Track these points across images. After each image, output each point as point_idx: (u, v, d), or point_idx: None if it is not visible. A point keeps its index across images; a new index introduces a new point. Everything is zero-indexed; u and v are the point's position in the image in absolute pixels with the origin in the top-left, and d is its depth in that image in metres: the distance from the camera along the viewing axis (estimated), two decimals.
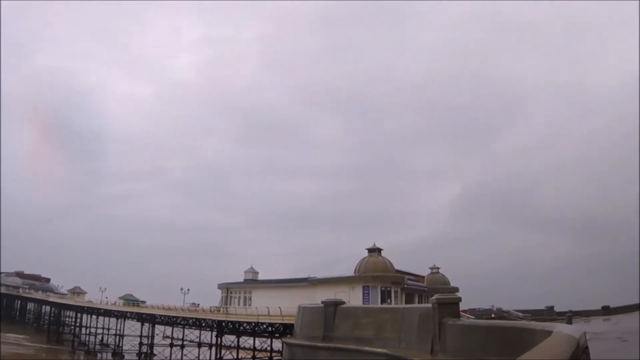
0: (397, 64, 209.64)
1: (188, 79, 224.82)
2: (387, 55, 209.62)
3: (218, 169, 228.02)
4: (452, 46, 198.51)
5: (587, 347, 9.62)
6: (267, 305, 52.67)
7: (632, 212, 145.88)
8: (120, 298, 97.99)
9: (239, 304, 64.50)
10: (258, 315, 53.86)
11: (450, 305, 18.10)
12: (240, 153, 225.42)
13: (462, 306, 63.13)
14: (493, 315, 60.36)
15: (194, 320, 66.67)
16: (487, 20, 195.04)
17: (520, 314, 68.55)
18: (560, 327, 10.69)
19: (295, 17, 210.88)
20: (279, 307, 50.45)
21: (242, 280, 69.31)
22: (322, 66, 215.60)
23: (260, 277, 69.78)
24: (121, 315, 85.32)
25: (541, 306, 76.18)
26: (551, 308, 74.41)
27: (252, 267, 70.77)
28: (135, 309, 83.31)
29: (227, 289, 68.31)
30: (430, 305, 18.72)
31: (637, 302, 69.83)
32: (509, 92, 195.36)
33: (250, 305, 61.67)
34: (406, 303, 52.73)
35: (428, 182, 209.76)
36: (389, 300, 53.22)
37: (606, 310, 73.39)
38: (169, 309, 71.73)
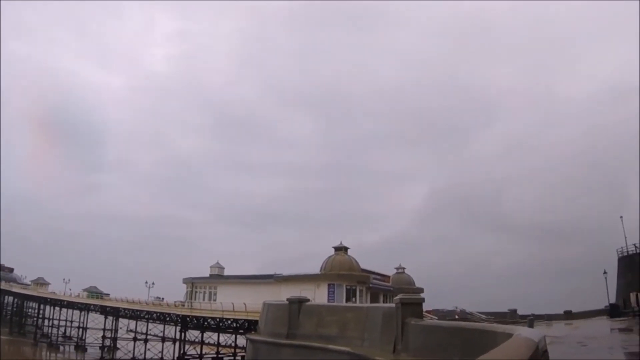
0: (371, 66, 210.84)
1: (161, 72, 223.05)
2: (361, 57, 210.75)
3: (188, 163, 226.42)
4: (425, 51, 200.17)
5: (546, 351, 9.68)
6: (232, 301, 52.39)
7: (593, 220, 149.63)
8: (84, 290, 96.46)
9: (203, 299, 64.03)
10: (223, 311, 53.57)
11: (413, 306, 18.16)
12: (211, 148, 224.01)
13: (427, 307, 63.66)
14: (457, 317, 60.95)
15: (158, 314, 66.04)
16: (460, 27, 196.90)
17: (484, 316, 69.28)
18: (520, 330, 10.77)
19: (271, 15, 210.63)
20: (244, 304, 50.24)
21: (207, 275, 68.81)
22: (296, 64, 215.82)
23: (227, 272, 69.22)
24: (84, 308, 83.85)
25: (504, 309, 77.27)
26: (514, 311, 75.44)
27: (218, 262, 70.22)
28: (98, 302, 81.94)
29: (192, 283, 67.77)
30: (393, 305, 18.77)
31: (598, 307, 71.15)
32: (480, 99, 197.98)
33: (215, 300, 61.27)
34: (371, 302, 52.91)
35: (396, 183, 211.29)
36: (354, 299, 53.35)
37: (568, 315, 74.44)
38: (133, 302, 70.95)
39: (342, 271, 54.34)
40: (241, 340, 54.60)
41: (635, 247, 68.63)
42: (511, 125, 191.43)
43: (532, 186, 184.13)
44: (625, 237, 71.47)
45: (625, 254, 71.59)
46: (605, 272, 73.76)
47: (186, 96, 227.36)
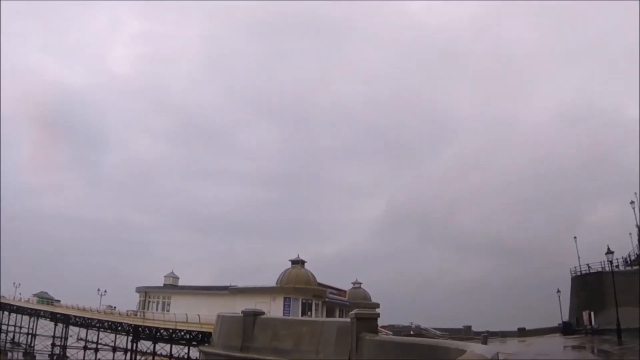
0: (333, 78, 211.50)
1: (123, 72, 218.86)
2: (324, 69, 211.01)
3: (146, 166, 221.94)
4: (388, 68, 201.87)
5: None
6: (185, 312, 51.82)
7: (548, 241, 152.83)
8: (35, 295, 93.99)
9: (157, 309, 63.23)
10: (176, 321, 52.93)
11: (368, 321, 18.06)
12: (170, 152, 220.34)
13: (382, 322, 63.94)
14: (412, 332, 61.22)
15: (109, 323, 64.91)
16: (424, 48, 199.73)
17: (438, 332, 69.71)
18: (473, 347, 10.72)
19: (238, 21, 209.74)
20: (198, 315, 49.69)
21: (161, 284, 67.92)
22: (260, 72, 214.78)
23: (181, 282, 68.51)
24: (34, 314, 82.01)
25: (459, 325, 77.84)
26: (469, 327, 76.03)
27: (172, 272, 69.44)
28: (49, 308, 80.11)
29: (146, 292, 66.86)
30: (348, 319, 18.66)
31: (551, 325, 72.21)
32: (440, 119, 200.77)
33: (168, 311, 60.54)
34: (327, 317, 52.85)
35: (354, 197, 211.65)
36: (309, 313, 53.22)
37: (522, 332, 75.27)
38: (84, 310, 69.69)
39: (298, 285, 54.25)
40: (194, 353, 53.88)
41: (589, 267, 69.98)
42: (469, 146, 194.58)
43: (488, 206, 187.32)
44: (579, 257, 73.03)
45: (579, 273, 72.96)
46: (558, 291, 75.26)
47: (147, 98, 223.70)
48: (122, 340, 64.07)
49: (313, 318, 45.45)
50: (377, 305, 65.01)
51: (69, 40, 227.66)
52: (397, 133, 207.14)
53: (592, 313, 58.04)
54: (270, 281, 56.69)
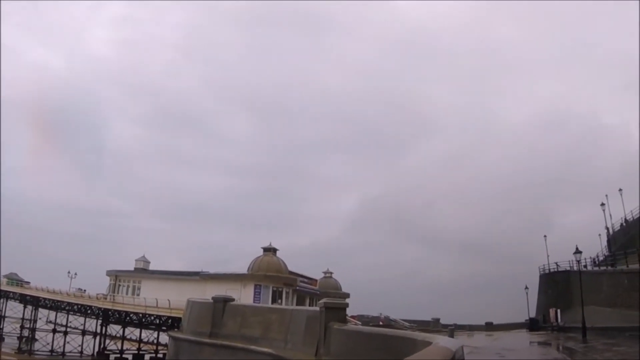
0: (315, 71, 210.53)
1: (103, 55, 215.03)
2: (306, 62, 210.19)
3: (123, 151, 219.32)
4: (370, 62, 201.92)
5: None
6: (156, 297, 51.58)
7: (519, 238, 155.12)
8: (4, 276, 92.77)
9: (127, 293, 62.81)
10: (146, 306, 52.70)
11: (337, 310, 18.13)
12: (147, 138, 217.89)
13: (352, 312, 64.07)
14: (381, 323, 61.60)
15: (79, 306, 64.39)
16: (407, 43, 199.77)
17: (407, 324, 70.32)
18: (439, 339, 10.84)
19: (221, 10, 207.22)
20: (168, 300, 49.51)
21: (132, 268, 67.43)
22: (241, 63, 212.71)
23: (152, 267, 68.06)
24: (3, 295, 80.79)
25: (428, 318, 78.61)
26: (437, 320, 76.84)
27: (144, 256, 68.93)
28: (18, 290, 79.05)
29: (116, 276, 66.37)
30: (318, 308, 18.74)
31: (518, 321, 73.20)
32: (420, 114, 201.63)
33: (138, 295, 60.17)
34: (297, 305, 52.94)
35: (331, 188, 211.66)
36: (279, 301, 53.30)
37: (489, 327, 76.28)
38: (54, 292, 68.95)
39: (269, 272, 54.27)
40: (164, 338, 53.69)
41: (557, 265, 71.03)
42: (447, 142, 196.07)
43: (462, 203, 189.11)
44: (548, 256, 74.24)
45: (547, 271, 74.10)
46: (526, 288, 76.20)
47: (126, 83, 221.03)
48: (92, 324, 63.60)
49: (283, 306, 45.50)
50: (347, 295, 65.31)
51: (48, 20, 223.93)
52: (377, 128, 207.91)
53: (558, 311, 58.85)
54: (244, 269, 56.59)
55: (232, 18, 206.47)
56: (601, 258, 66.88)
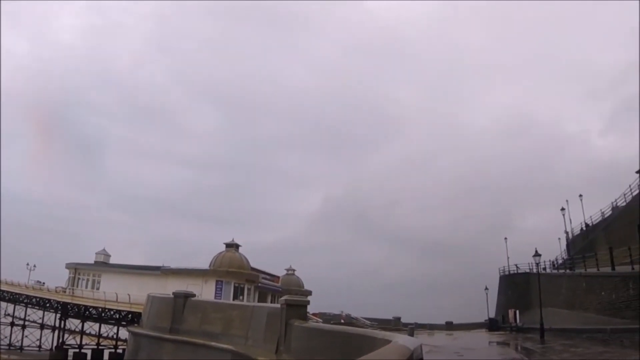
0: (282, 68, 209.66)
1: (69, 44, 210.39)
2: (274, 59, 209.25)
3: (86, 142, 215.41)
4: (337, 61, 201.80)
5: (421, 359, 9.81)
6: (116, 291, 50.99)
7: (480, 240, 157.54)
8: None
9: (86, 287, 61.93)
10: (105, 300, 52.03)
11: (298, 307, 18.11)
12: (111, 129, 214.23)
13: (314, 309, 64.08)
14: (342, 321, 61.82)
15: (38, 299, 63.21)
16: (375, 44, 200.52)
17: (368, 322, 70.79)
18: (399, 338, 10.87)
19: (191, 3, 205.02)
20: (128, 294, 48.98)
21: (92, 262, 66.49)
22: (209, 57, 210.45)
23: (113, 261, 67.16)
24: None
25: (390, 316, 79.16)
26: (398, 319, 77.40)
27: (104, 250, 67.96)
28: None
29: (76, 269, 65.36)
30: (279, 305, 18.70)
31: (478, 321, 74.10)
32: (385, 115, 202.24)
33: (98, 289, 59.40)
34: (259, 302, 52.83)
35: (295, 186, 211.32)
36: (241, 297, 53.14)
37: (449, 326, 77.13)
38: (12, 284, 67.57)
39: (231, 268, 54.05)
40: (124, 333, 53.07)
41: (517, 267, 72.25)
42: (411, 144, 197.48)
43: (424, 204, 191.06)
44: (508, 258, 75.59)
45: (507, 273, 75.31)
46: (486, 289, 77.33)
47: (92, 72, 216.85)
48: (51, 318, 62.56)
49: (244, 302, 45.30)
50: (309, 293, 65.38)
51: (13, 4, 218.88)
52: (342, 127, 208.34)
53: (517, 311, 59.78)
54: (206, 265, 56.24)
55: (202, 11, 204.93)
56: (560, 261, 68.11)
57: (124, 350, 51.41)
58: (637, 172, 58.89)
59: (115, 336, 57.39)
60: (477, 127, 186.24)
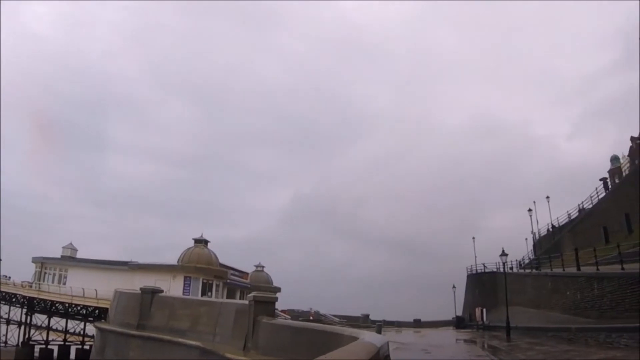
0: (255, 64, 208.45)
1: (39, 32, 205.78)
2: (248, 56, 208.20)
3: (52, 134, 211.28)
4: (310, 60, 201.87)
5: (388, 356, 9.87)
6: (83, 286, 50.36)
7: (449, 239, 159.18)
8: None
9: (53, 282, 61.04)
10: (72, 295, 51.37)
11: (266, 304, 18.11)
12: (79, 120, 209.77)
13: (283, 306, 63.98)
14: (311, 318, 61.92)
15: (3, 294, 62.05)
16: (348, 44, 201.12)
17: (337, 319, 71.08)
18: (366, 335, 10.95)
19: None
20: (95, 290, 48.44)
21: (59, 256, 65.56)
22: (181, 50, 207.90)
23: (80, 255, 66.25)
24: None
25: (358, 314, 79.66)
26: (367, 316, 78.03)
27: (71, 244, 66.93)
28: None
29: (42, 263, 64.29)
30: (247, 302, 18.67)
31: (446, 318, 74.89)
32: (356, 114, 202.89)
33: (65, 284, 58.60)
34: (228, 298, 52.65)
35: (265, 183, 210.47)
36: (209, 294, 52.88)
37: (417, 323, 78.00)
38: None
39: (200, 264, 53.72)
40: (91, 329, 52.45)
41: (484, 266, 73.13)
42: (382, 144, 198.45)
43: (393, 202, 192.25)
44: (475, 257, 76.39)
45: (474, 272, 76.15)
46: (454, 287, 78.11)
47: (61, 61, 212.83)
48: (17, 313, 61.54)
49: (212, 299, 45.11)
50: (278, 289, 65.30)
51: None
52: (313, 125, 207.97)
53: (484, 310, 60.50)
54: (174, 260, 55.81)
55: (175, 4, 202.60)
56: (527, 261, 69.09)
57: (91, 346, 50.82)
58: (600, 179, 60.18)
59: (82, 332, 56.71)
60: (447, 127, 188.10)
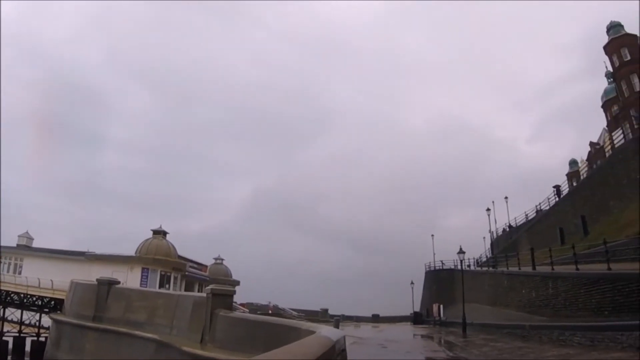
0: (223, 57, 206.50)
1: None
2: (216, 48, 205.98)
3: (7, 120, 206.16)
4: (281, 55, 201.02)
5: (344, 350, 9.96)
6: (39, 276, 49.54)
7: (409, 236, 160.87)
8: None
9: (7, 271, 59.86)
10: (27, 286, 50.48)
11: (223, 297, 18.07)
12: (37, 107, 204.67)
13: (242, 299, 63.79)
14: (270, 312, 61.92)
15: None
16: (316, 41, 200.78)
17: (295, 313, 71.22)
18: (322, 329, 11.05)
19: None
20: (51, 280, 47.70)
21: (14, 245, 64.29)
22: (147, 39, 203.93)
23: (36, 244, 65.08)
24: None
25: (317, 308, 79.89)
26: (326, 310, 78.29)
27: (27, 232, 65.72)
28: None
29: None
30: (205, 294, 18.61)
31: (404, 314, 75.56)
32: (321, 111, 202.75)
33: (20, 274, 57.54)
34: (186, 291, 52.35)
35: (226, 176, 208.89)
36: (167, 286, 52.52)
37: (375, 318, 78.58)
38: None
39: (158, 256, 53.26)
40: (47, 320, 51.60)
41: (442, 263, 74.15)
42: (344, 139, 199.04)
43: (354, 199, 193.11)
44: (434, 254, 77.33)
45: (433, 268, 77.11)
46: (412, 283, 78.97)
47: (21, 46, 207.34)
48: None
49: (170, 291, 44.79)
50: (237, 283, 65.17)
51: None
52: (278, 119, 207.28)
53: (441, 306, 61.32)
54: (132, 252, 55.19)
55: None
56: (484, 259, 70.17)
57: (47, 338, 50.00)
58: (553, 187, 61.46)
59: (37, 324, 55.73)
60: (411, 127, 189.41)
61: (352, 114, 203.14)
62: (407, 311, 75.97)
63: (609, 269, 23.28)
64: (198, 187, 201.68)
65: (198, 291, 54.75)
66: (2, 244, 63.26)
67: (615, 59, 56.09)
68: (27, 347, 54.48)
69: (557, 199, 58.22)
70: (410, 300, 77.73)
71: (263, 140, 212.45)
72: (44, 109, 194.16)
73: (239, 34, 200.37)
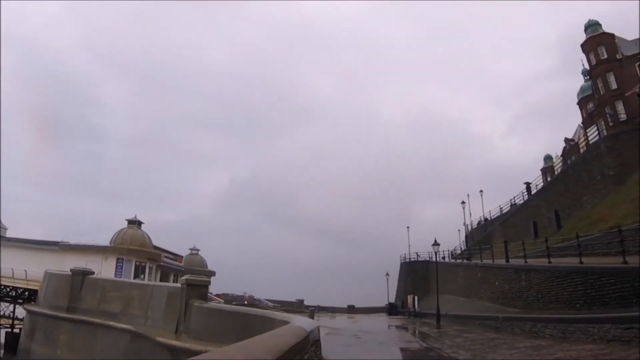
0: (203, 48, 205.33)
1: None
2: (196, 38, 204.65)
3: None
4: (261, 47, 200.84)
5: (318, 340, 10.08)
6: (12, 267, 48.97)
7: (379, 228, 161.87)
8: None
9: None
10: (1, 276, 49.96)
11: (198, 287, 18.10)
12: (13, 95, 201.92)
13: (217, 290, 63.58)
14: (245, 302, 61.86)
15: None
16: (297, 33, 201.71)
17: (271, 304, 71.27)
18: (297, 319, 11.15)
19: None
20: (25, 270, 47.21)
21: None
22: (127, 28, 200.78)
23: (9, 234, 64.23)
24: None
25: (293, 299, 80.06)
26: (301, 301, 78.45)
27: (0, 222, 65.09)
28: None
29: None
30: (179, 285, 18.60)
31: (379, 305, 76.02)
32: (301, 102, 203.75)
33: None
34: (161, 281, 52.07)
35: (202, 166, 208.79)
36: (142, 276, 52.17)
37: (351, 309, 78.90)
38: None
39: (132, 246, 52.82)
40: (21, 311, 51.09)
41: (417, 255, 74.69)
42: (322, 132, 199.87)
43: (330, 191, 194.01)
44: (409, 246, 77.77)
45: (408, 260, 77.59)
46: (387, 274, 79.35)
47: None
48: None
49: (144, 282, 44.53)
50: (213, 273, 64.93)
51: None
52: (256, 111, 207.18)
53: (416, 297, 61.83)
54: (106, 242, 54.71)
55: None
56: (459, 251, 70.76)
57: (21, 329, 49.55)
58: (524, 183, 62.10)
59: (12, 315, 55.16)
60: (390, 120, 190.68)
61: (332, 106, 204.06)
62: (383, 302, 76.41)
63: (581, 262, 23.65)
64: (175, 177, 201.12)
65: (173, 282, 54.47)
66: None
67: (592, 57, 56.64)
68: (1, 339, 53.97)
69: (528, 196, 58.81)
70: (385, 292, 78.26)
71: (241, 132, 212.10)
72: (21, 98, 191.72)
73: (219, 26, 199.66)
